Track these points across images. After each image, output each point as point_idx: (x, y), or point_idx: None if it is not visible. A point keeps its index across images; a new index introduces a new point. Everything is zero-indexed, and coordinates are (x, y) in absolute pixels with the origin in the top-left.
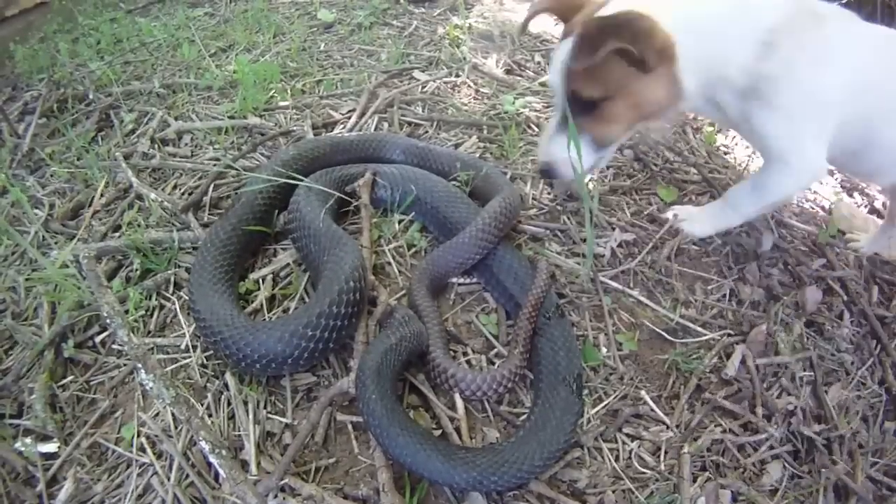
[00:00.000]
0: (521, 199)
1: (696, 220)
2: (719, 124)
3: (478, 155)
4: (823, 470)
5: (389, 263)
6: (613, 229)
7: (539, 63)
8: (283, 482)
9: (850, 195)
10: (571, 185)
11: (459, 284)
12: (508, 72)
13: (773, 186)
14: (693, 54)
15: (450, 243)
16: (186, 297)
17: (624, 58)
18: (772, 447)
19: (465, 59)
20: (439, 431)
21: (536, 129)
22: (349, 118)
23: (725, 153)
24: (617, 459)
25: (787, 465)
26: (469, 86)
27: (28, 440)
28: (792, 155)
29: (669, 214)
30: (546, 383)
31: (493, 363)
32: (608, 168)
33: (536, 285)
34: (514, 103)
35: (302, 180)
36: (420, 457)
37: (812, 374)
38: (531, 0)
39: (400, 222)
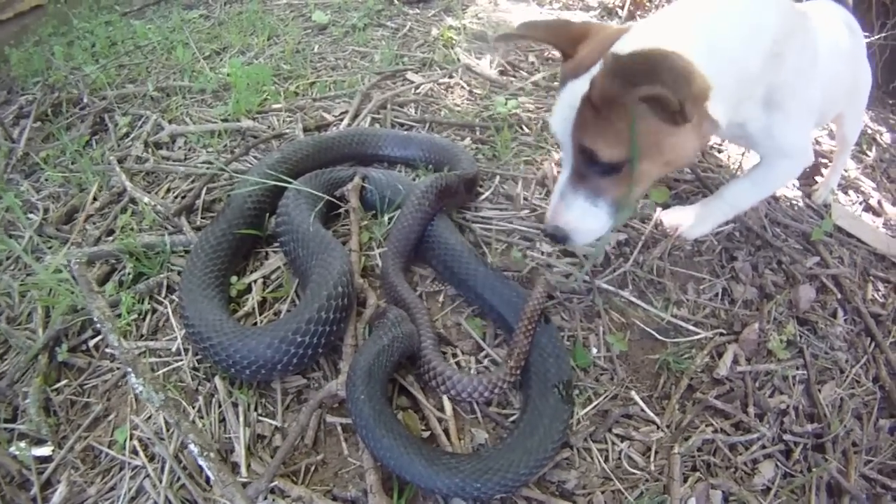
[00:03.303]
0: (474, 178)
1: (693, 222)
2: (727, 141)
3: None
4: (816, 469)
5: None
6: None
7: (533, 63)
8: (272, 484)
9: (846, 193)
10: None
11: (449, 287)
12: (502, 73)
13: (775, 180)
14: (723, 86)
15: (398, 228)
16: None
17: (655, 110)
18: (764, 447)
19: (458, 60)
20: (428, 433)
21: (529, 131)
22: (342, 120)
23: (719, 151)
24: (606, 460)
25: (779, 464)
26: (462, 87)
27: (22, 444)
28: (795, 149)
29: (664, 218)
30: (535, 390)
31: (482, 363)
32: None
33: (533, 298)
34: (506, 104)
35: (291, 183)
36: (403, 460)
37: (805, 372)
38: (524, 1)
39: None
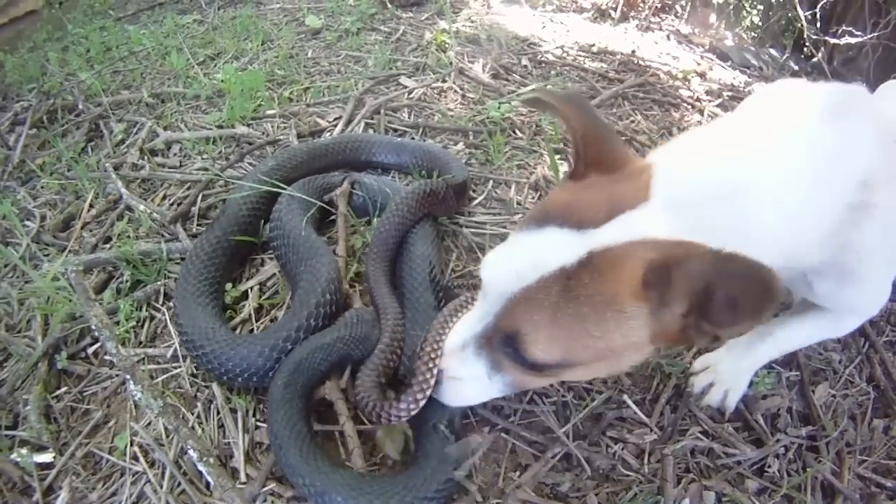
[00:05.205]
0: (464, 184)
1: (730, 381)
2: None
3: (464, 161)
4: (809, 469)
5: None
6: None
7: (526, 66)
8: (268, 487)
9: None
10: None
11: None
12: (495, 76)
13: (845, 329)
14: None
15: (376, 234)
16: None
17: (663, 318)
18: (757, 448)
19: (451, 64)
20: None
21: (522, 135)
22: (336, 126)
23: None
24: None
25: (772, 465)
26: (455, 91)
27: (24, 451)
28: (875, 308)
29: (695, 383)
30: (420, 431)
31: None
32: None
33: (439, 320)
34: (499, 108)
35: (284, 189)
36: (282, 450)
37: (798, 373)
38: (517, 3)
39: None
